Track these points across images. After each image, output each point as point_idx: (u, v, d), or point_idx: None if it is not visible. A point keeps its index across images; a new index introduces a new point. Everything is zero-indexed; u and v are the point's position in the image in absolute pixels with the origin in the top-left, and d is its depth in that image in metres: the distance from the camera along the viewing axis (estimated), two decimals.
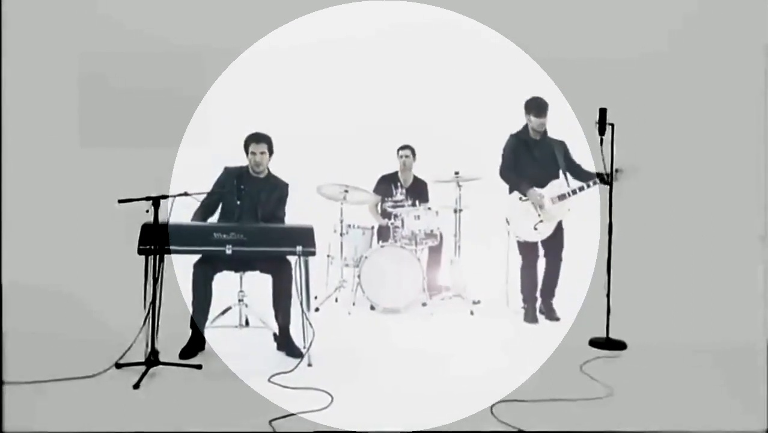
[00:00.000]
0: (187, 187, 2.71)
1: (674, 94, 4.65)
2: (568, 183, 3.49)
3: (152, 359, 2.50)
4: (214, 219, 2.98)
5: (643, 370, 2.68)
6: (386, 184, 4.23)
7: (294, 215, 3.07)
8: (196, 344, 2.80)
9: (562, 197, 3.42)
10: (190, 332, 2.82)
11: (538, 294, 3.56)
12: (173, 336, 2.73)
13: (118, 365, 2.50)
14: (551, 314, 3.53)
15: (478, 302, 3.88)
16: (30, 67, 4.46)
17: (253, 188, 2.97)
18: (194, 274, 2.78)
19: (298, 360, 2.66)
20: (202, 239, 2.60)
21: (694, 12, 4.69)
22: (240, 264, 2.85)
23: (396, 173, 4.28)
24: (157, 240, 2.50)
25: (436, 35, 5.25)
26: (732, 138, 4.36)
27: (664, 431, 2.05)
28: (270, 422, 2.07)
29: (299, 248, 2.63)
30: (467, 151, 4.45)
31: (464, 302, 3.88)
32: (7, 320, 2.43)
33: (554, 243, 3.48)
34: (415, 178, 4.32)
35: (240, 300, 2.95)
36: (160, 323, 2.53)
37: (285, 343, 2.82)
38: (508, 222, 3.49)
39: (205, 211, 2.92)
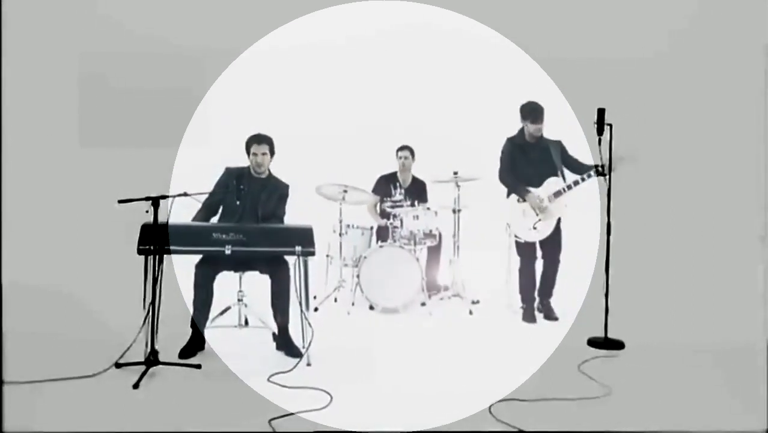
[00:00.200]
0: (187, 188, 2.72)
1: (674, 94, 4.65)
2: (564, 180, 3.49)
3: (152, 359, 2.50)
4: (216, 219, 2.98)
5: (642, 370, 2.69)
6: (385, 185, 4.23)
7: (293, 215, 3.07)
8: (195, 344, 2.80)
9: (557, 194, 3.43)
10: (189, 332, 2.82)
11: (536, 294, 3.57)
12: (173, 336, 2.74)
13: (118, 365, 2.51)
14: (549, 314, 3.53)
15: (477, 301, 3.88)
16: (30, 67, 4.46)
17: (254, 189, 2.98)
18: (196, 274, 2.79)
19: (297, 360, 2.66)
20: (201, 239, 2.61)
21: (694, 12, 4.69)
22: (239, 264, 2.86)
23: (395, 173, 4.29)
24: (156, 240, 2.50)
25: (436, 35, 5.25)
26: (732, 138, 4.36)
27: (663, 431, 2.05)
28: (269, 421, 2.07)
29: (299, 248, 2.64)
30: (466, 152, 4.46)
31: (463, 301, 3.89)
32: (7, 320, 2.43)
33: (552, 245, 3.49)
34: (414, 179, 4.33)
35: (239, 300, 2.96)
36: (159, 323, 2.53)
37: (284, 343, 2.83)
38: (508, 226, 3.50)
39: (207, 211, 2.93)
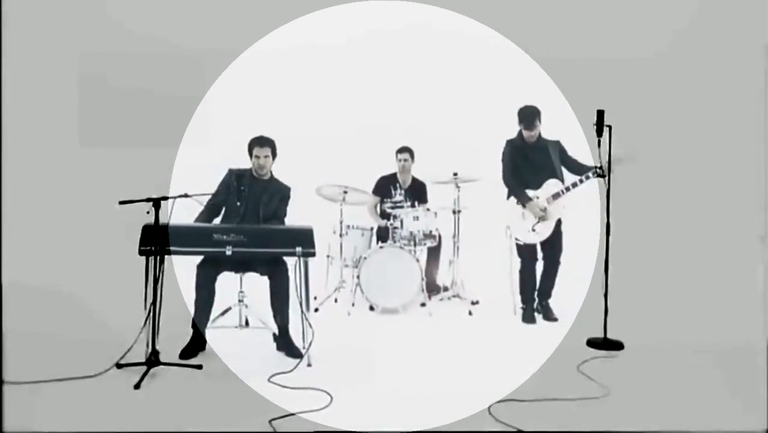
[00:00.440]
0: (187, 188, 2.73)
1: (674, 94, 4.65)
2: (563, 182, 3.50)
3: (153, 360, 2.51)
4: (218, 220, 2.99)
5: (641, 370, 2.69)
6: (385, 186, 4.24)
7: (294, 216, 3.08)
8: (196, 345, 2.81)
9: (556, 196, 3.43)
10: (190, 332, 2.83)
11: (535, 295, 3.58)
12: (174, 337, 2.74)
13: (119, 366, 2.52)
14: (548, 315, 3.54)
15: (477, 302, 3.89)
16: (30, 67, 4.46)
17: (256, 190, 2.98)
18: (197, 274, 2.80)
19: (297, 360, 2.67)
20: (202, 240, 2.61)
21: (694, 12, 4.69)
22: (239, 265, 2.87)
23: (395, 174, 4.29)
24: (157, 241, 2.51)
25: (436, 35, 5.25)
26: (732, 138, 4.37)
27: (663, 431, 2.06)
28: (270, 421, 2.08)
29: (299, 249, 2.65)
30: (466, 153, 4.47)
31: (463, 302, 3.90)
32: (7, 320, 2.44)
33: (552, 247, 3.50)
34: (414, 180, 4.33)
35: (240, 301, 2.96)
36: (160, 323, 2.54)
37: (284, 343, 2.84)
38: (508, 228, 3.51)
39: (209, 212, 2.94)
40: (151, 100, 4.86)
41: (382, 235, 4.07)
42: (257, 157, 2.98)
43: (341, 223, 3.94)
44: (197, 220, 2.89)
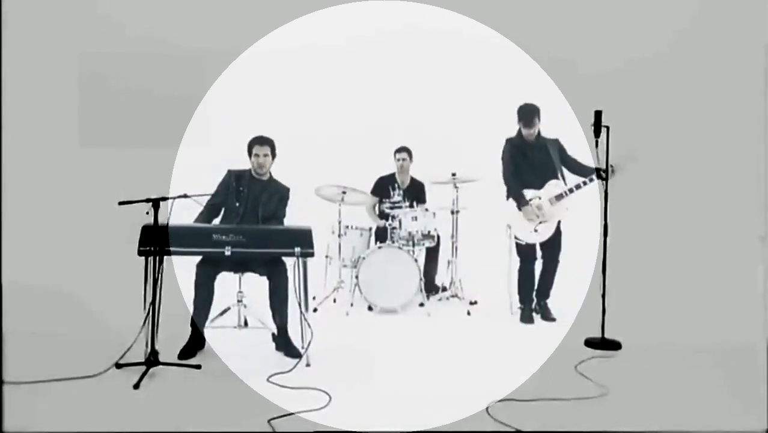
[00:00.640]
0: (187, 188, 2.74)
1: (674, 93, 4.66)
2: (565, 182, 3.51)
3: (152, 360, 2.52)
4: (218, 220, 3.00)
5: (640, 370, 2.70)
6: (384, 186, 4.25)
7: (293, 216, 3.09)
8: (195, 344, 2.82)
9: (559, 197, 3.44)
10: (189, 332, 2.84)
11: (534, 295, 3.58)
12: (173, 337, 2.75)
13: (119, 365, 2.52)
14: (547, 315, 3.55)
15: (475, 302, 3.90)
16: (30, 67, 4.47)
17: (255, 190, 2.99)
18: (197, 273, 2.81)
19: (296, 360, 2.68)
20: (201, 240, 2.62)
21: (694, 12, 4.70)
22: (238, 265, 2.88)
23: (393, 174, 4.30)
24: (157, 241, 2.51)
25: (435, 35, 5.25)
26: (732, 138, 4.37)
27: (663, 431, 2.06)
28: (269, 421, 2.09)
29: (298, 249, 2.66)
30: (464, 153, 4.48)
31: (461, 302, 3.91)
32: (7, 320, 2.44)
33: (552, 245, 3.51)
34: (413, 180, 4.34)
35: (239, 301, 2.97)
36: (159, 323, 2.55)
37: (283, 343, 2.84)
38: (509, 227, 3.51)
39: (209, 213, 2.95)
40: (151, 100, 4.87)
41: (381, 235, 4.08)
42: (257, 156, 2.98)
43: (340, 223, 3.95)
44: (197, 220, 2.90)
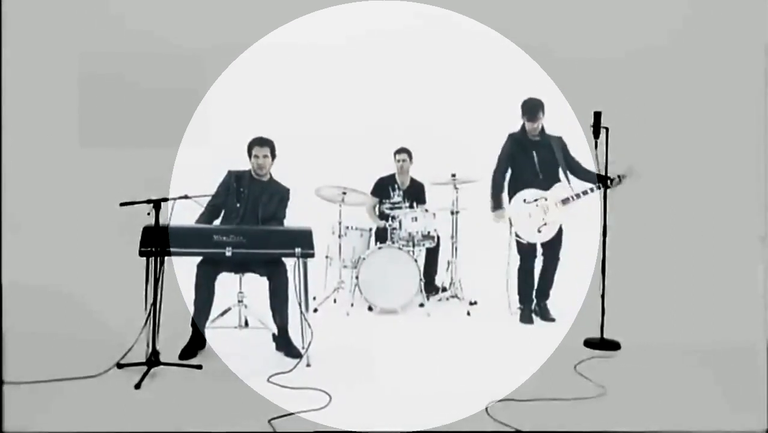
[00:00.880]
0: (187, 188, 2.75)
1: (674, 93, 4.68)
2: (568, 181, 3.50)
3: (153, 360, 2.53)
4: (219, 221, 3.00)
5: (639, 370, 2.71)
6: (384, 187, 4.26)
7: (293, 217, 3.09)
8: (196, 344, 2.83)
9: (565, 201, 3.44)
10: (190, 333, 2.84)
11: (533, 296, 3.59)
12: (174, 337, 2.76)
13: (120, 366, 2.53)
14: (546, 315, 3.56)
15: (475, 303, 3.91)
16: (30, 67, 4.48)
17: (255, 191, 3.00)
18: (197, 274, 2.81)
19: (296, 360, 2.69)
20: (202, 241, 2.63)
21: (694, 11, 4.71)
22: (238, 266, 2.88)
23: (393, 175, 4.31)
24: (158, 242, 2.52)
25: (435, 35, 5.27)
26: (732, 137, 4.39)
27: (662, 431, 2.07)
28: (269, 421, 2.09)
29: (298, 250, 2.66)
30: (464, 154, 4.49)
31: (461, 302, 3.92)
32: (7, 320, 2.45)
33: (552, 242, 3.51)
34: (413, 181, 4.35)
35: (239, 301, 2.98)
36: (160, 324, 2.56)
37: (284, 343, 2.85)
38: (511, 223, 3.52)
39: (210, 214, 2.95)
40: (151, 100, 4.88)
41: (381, 236, 4.09)
42: (256, 157, 2.99)
43: (340, 224, 3.96)
44: (198, 221, 2.91)
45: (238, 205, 2.95)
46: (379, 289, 3.72)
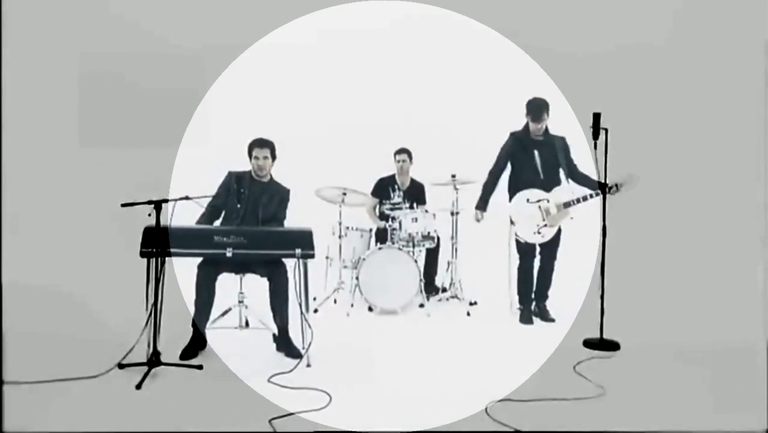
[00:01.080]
0: (187, 188, 2.75)
1: (674, 92, 4.68)
2: (568, 181, 3.50)
3: (154, 360, 2.53)
4: (219, 222, 3.01)
5: (639, 370, 2.71)
6: (384, 187, 4.26)
7: (293, 218, 3.10)
8: (197, 344, 2.83)
9: (567, 205, 3.45)
10: (190, 334, 2.85)
11: (533, 296, 3.60)
12: (174, 337, 2.77)
13: (121, 366, 2.54)
14: (545, 316, 3.57)
15: (475, 303, 3.92)
16: (30, 67, 4.47)
17: (255, 192, 3.01)
18: (198, 275, 2.82)
19: (297, 361, 2.69)
20: (203, 241, 2.64)
21: (694, 9, 4.72)
22: (239, 267, 2.89)
23: (393, 176, 4.31)
24: (159, 243, 2.53)
25: (436, 35, 5.27)
26: (732, 137, 4.38)
27: (662, 431, 2.08)
28: (270, 421, 2.10)
29: (298, 251, 2.67)
30: (464, 154, 4.49)
31: (461, 303, 3.93)
32: (7, 320, 2.45)
33: (550, 242, 3.52)
34: (413, 181, 4.36)
35: (240, 301, 2.99)
36: (161, 324, 2.56)
37: (284, 344, 2.86)
38: (511, 221, 3.52)
39: (210, 214, 2.96)
40: (151, 100, 4.88)
41: (381, 236, 4.09)
42: (257, 158, 3.00)
43: (340, 224, 3.97)
44: (199, 222, 2.92)
45: (238, 206, 2.96)
46: (379, 289, 3.73)
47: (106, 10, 4.88)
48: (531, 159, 3.48)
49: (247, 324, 3.07)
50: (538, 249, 3.55)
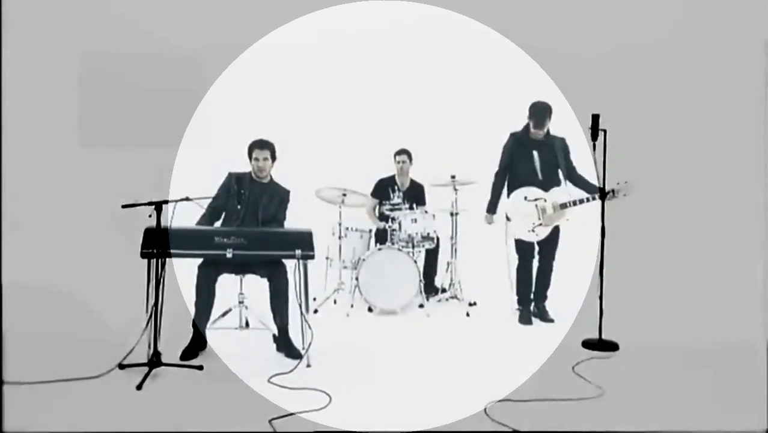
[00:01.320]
0: (187, 188, 2.76)
1: (673, 92, 4.67)
2: (566, 183, 3.51)
3: (154, 360, 2.54)
4: (219, 223, 3.01)
5: (638, 370, 2.72)
6: (384, 188, 4.27)
7: (293, 219, 3.11)
8: (197, 344, 2.84)
9: (563, 206, 3.45)
10: (191, 334, 2.85)
11: (532, 297, 3.61)
12: (175, 338, 2.77)
13: (122, 366, 2.54)
14: (544, 316, 3.58)
15: (474, 303, 3.93)
16: (30, 67, 4.47)
17: (255, 193, 3.01)
18: (198, 275, 2.82)
19: (297, 361, 2.70)
20: (203, 242, 2.64)
21: (694, 10, 4.72)
22: (239, 267, 2.89)
23: (393, 176, 4.32)
24: (159, 244, 2.53)
25: (436, 36, 5.27)
26: (731, 137, 4.38)
27: (662, 431, 2.08)
28: (270, 421, 2.11)
29: (298, 252, 2.68)
30: (464, 155, 4.50)
31: (460, 303, 3.94)
32: (7, 320, 2.45)
33: (549, 242, 3.52)
34: (413, 182, 4.36)
35: (240, 302, 2.99)
36: (162, 325, 2.57)
37: (284, 344, 2.87)
38: (508, 218, 3.53)
39: (210, 215, 2.97)
40: (151, 99, 4.88)
41: (381, 237, 4.10)
42: (257, 159, 3.01)
43: (340, 225, 3.97)
44: (199, 223, 2.92)
45: (238, 207, 2.97)
46: (378, 290, 3.74)
47: (106, 10, 4.88)
48: (530, 159, 3.48)
49: (247, 325, 3.08)
50: (536, 249, 3.55)
